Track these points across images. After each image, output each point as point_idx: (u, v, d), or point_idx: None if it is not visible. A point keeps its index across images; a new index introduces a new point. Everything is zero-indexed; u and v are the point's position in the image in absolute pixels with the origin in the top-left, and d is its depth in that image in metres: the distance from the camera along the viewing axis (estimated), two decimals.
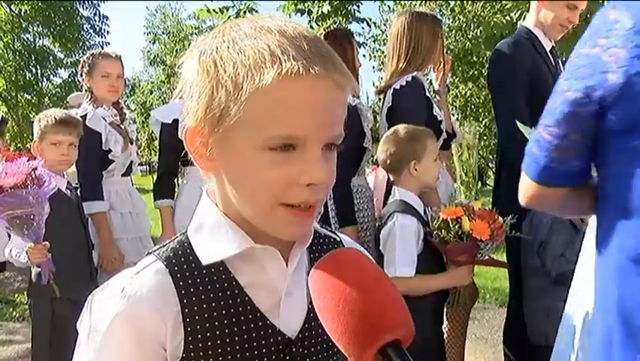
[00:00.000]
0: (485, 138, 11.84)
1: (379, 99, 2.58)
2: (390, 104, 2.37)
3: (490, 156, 12.73)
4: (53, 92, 16.02)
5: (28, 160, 1.99)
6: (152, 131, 3.28)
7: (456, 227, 1.84)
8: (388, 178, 2.39)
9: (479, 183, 11.06)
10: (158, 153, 2.75)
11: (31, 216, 1.95)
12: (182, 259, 0.66)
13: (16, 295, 4.83)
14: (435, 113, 2.42)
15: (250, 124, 0.59)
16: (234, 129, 0.60)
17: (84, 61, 2.78)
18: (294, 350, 0.67)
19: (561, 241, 1.98)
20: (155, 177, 2.79)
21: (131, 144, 2.81)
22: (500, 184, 2.46)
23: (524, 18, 2.57)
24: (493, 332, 3.94)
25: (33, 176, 1.96)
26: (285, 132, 0.59)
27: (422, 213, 2.00)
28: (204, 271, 0.65)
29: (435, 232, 1.89)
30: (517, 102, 2.26)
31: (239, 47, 0.60)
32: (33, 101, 15.06)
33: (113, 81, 2.72)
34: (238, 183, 0.63)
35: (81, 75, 2.79)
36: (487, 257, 2.04)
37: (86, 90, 2.77)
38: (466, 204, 1.96)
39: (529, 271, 2.11)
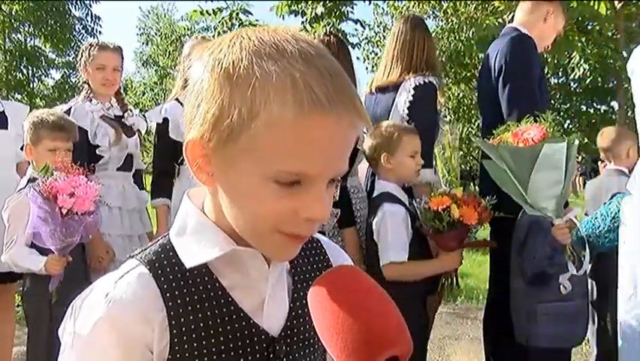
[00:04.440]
0: (479, 138, 11.84)
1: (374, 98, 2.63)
2: (412, 98, 2.42)
3: None
4: (45, 92, 15.93)
5: (87, 180, 1.95)
6: (144, 134, 3.21)
7: (447, 216, 1.90)
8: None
9: (471, 183, 11.10)
10: (152, 154, 2.71)
11: (75, 242, 1.97)
12: (165, 263, 0.66)
13: None
14: (439, 115, 2.57)
15: (260, 153, 0.58)
16: (242, 154, 0.58)
17: (82, 52, 2.70)
18: (277, 348, 0.68)
19: (538, 243, 2.04)
20: (146, 176, 2.75)
21: (130, 135, 2.70)
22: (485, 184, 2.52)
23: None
24: None
25: (97, 203, 1.97)
26: (295, 169, 0.58)
27: (407, 204, 2.08)
28: (187, 274, 0.65)
29: (429, 223, 1.94)
30: (535, 90, 2.36)
31: (259, 70, 0.56)
32: (24, 101, 14.96)
33: (107, 74, 2.63)
34: (237, 205, 0.63)
35: (79, 66, 2.72)
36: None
37: (83, 83, 2.69)
38: (450, 192, 2.03)
39: (513, 270, 2.16)
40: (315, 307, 0.57)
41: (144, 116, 3.05)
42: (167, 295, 0.64)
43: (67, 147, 2.23)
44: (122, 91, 2.86)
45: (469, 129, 11.58)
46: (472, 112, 11.54)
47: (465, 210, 1.92)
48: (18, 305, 2.85)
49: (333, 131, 0.57)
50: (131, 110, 2.82)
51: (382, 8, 12.05)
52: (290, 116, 0.55)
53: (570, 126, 10.30)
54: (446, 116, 11.46)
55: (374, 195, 2.15)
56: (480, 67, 2.78)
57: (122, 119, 2.72)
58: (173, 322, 0.63)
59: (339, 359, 0.53)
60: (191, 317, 0.64)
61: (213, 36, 6.15)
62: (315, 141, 0.57)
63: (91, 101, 2.63)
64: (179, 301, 0.64)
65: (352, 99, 0.59)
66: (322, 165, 0.59)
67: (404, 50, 2.50)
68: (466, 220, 1.92)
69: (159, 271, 0.65)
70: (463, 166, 11.91)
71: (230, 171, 0.61)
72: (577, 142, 1.89)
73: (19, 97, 15.17)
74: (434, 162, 2.61)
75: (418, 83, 2.42)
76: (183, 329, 0.63)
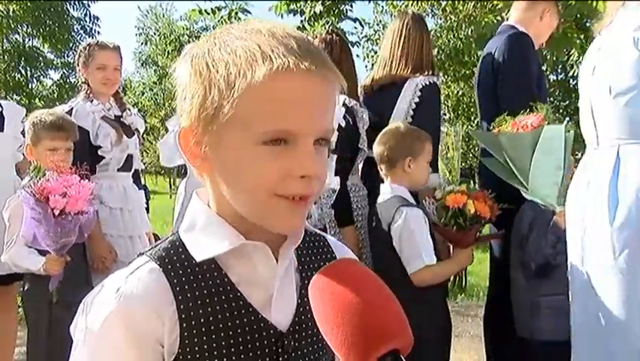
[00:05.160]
0: (476, 130, 11.84)
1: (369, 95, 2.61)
2: (417, 100, 2.41)
3: None
4: (44, 93, 15.91)
5: (80, 179, 1.95)
6: (143, 133, 3.18)
7: (468, 212, 1.91)
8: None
9: (471, 181, 11.11)
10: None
11: (71, 242, 1.97)
12: (175, 258, 0.67)
13: None
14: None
15: (243, 120, 0.61)
16: (228, 126, 0.62)
17: (81, 51, 2.70)
18: (285, 343, 0.69)
19: (542, 233, 2.05)
20: (146, 176, 2.76)
21: (130, 136, 2.69)
22: (485, 179, 2.53)
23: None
24: None
25: (90, 202, 1.97)
26: (277, 127, 0.61)
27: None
28: (197, 269, 0.67)
29: (453, 221, 1.94)
30: (533, 88, 2.37)
31: (230, 48, 0.62)
32: (23, 102, 14.93)
33: (108, 74, 2.63)
34: (232, 178, 0.65)
35: (77, 65, 2.70)
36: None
37: (82, 83, 2.67)
38: (459, 189, 2.04)
39: (514, 264, 2.17)
40: (314, 300, 0.57)
41: (143, 116, 3.06)
42: (177, 289, 0.65)
43: (67, 147, 2.23)
44: (120, 91, 2.86)
45: (469, 127, 11.58)
46: (472, 110, 11.55)
47: (477, 205, 1.94)
48: (19, 306, 2.86)
49: (305, 86, 0.61)
50: (129, 110, 2.81)
51: (382, 7, 12.03)
52: (261, 77, 0.59)
53: (569, 123, 10.31)
54: (445, 114, 11.46)
55: (381, 199, 2.08)
56: (478, 65, 2.78)
57: (121, 119, 2.71)
58: (183, 315, 0.65)
59: (339, 352, 0.53)
60: (200, 311, 0.65)
61: None
62: (290, 97, 0.60)
63: (92, 101, 2.62)
64: (188, 295, 0.65)
65: (320, 56, 0.63)
66: (301, 119, 0.61)
67: (414, 48, 2.47)
68: (483, 214, 1.93)
69: (169, 266, 0.66)
70: (463, 164, 11.91)
71: (220, 146, 0.64)
72: (572, 131, 1.91)
73: (17, 98, 15.15)
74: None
75: (424, 84, 2.40)
76: (193, 322, 0.65)
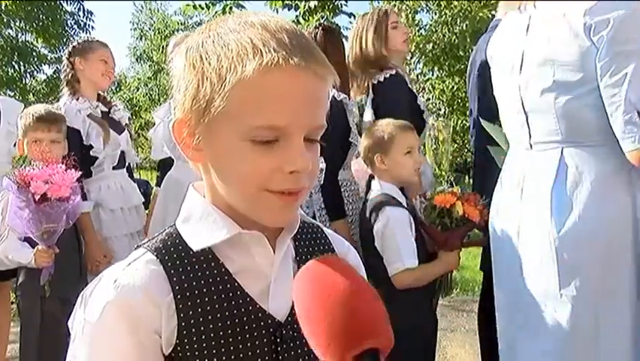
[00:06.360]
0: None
1: (360, 99, 2.60)
2: (372, 97, 2.41)
3: None
4: (38, 88, 15.82)
5: (66, 169, 1.96)
6: (138, 128, 3.15)
7: (456, 213, 1.88)
8: None
9: (465, 176, 11.12)
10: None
11: (57, 229, 1.97)
12: (172, 249, 0.68)
13: None
14: (419, 104, 2.47)
15: (234, 114, 0.61)
16: (219, 120, 0.62)
17: (77, 45, 2.69)
18: (284, 332, 0.69)
19: None
20: (141, 171, 2.75)
21: (120, 132, 2.69)
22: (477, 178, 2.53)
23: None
24: None
25: (74, 189, 1.97)
26: (266, 122, 0.60)
27: (405, 205, 2.02)
28: (194, 259, 0.67)
29: (439, 220, 1.91)
30: None
31: (223, 42, 0.63)
32: (17, 98, 14.84)
33: (109, 67, 2.70)
34: (224, 171, 0.65)
35: (69, 59, 2.66)
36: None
37: (69, 78, 2.64)
38: (451, 190, 2.00)
39: None
40: (299, 291, 0.56)
41: (137, 111, 3.05)
42: (174, 279, 0.66)
43: (50, 138, 2.26)
44: (111, 87, 2.88)
45: (464, 122, 11.60)
46: (467, 104, 11.53)
47: (467, 208, 1.90)
48: (12, 302, 2.85)
49: (295, 80, 0.61)
50: (116, 105, 2.83)
51: (377, 1, 12.01)
52: (251, 71, 0.60)
53: None
54: (440, 109, 11.44)
55: (371, 196, 2.04)
56: (470, 59, 2.76)
57: (110, 115, 2.71)
58: (181, 305, 0.65)
59: (318, 341, 0.52)
60: (197, 301, 0.66)
61: None
62: (279, 91, 0.60)
63: (77, 99, 2.58)
64: (185, 285, 0.66)
65: (310, 50, 0.63)
66: (291, 114, 0.61)
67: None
68: (471, 217, 1.90)
69: (166, 257, 0.67)
70: (459, 159, 11.92)
71: (212, 139, 0.64)
72: None
73: (11, 93, 15.05)
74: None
75: (378, 81, 2.40)
76: (190, 312, 0.65)
